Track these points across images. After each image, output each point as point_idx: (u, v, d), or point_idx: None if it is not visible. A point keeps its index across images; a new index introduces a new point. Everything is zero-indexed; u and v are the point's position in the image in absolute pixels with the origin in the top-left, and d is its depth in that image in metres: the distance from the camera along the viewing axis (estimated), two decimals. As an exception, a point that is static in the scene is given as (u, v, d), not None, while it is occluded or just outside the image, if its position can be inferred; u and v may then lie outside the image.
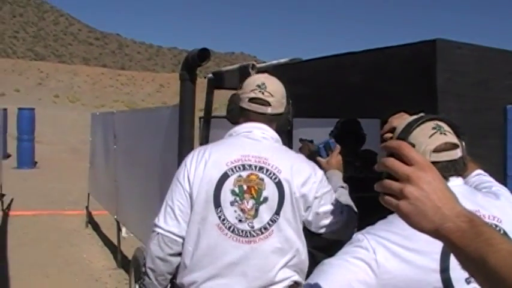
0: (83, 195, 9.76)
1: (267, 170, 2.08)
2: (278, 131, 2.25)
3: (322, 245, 2.33)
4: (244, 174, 2.07)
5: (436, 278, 1.41)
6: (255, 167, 2.08)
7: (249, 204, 2.05)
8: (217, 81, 3.91)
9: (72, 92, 72.95)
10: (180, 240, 2.10)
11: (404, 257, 1.42)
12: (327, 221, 2.17)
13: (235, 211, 2.04)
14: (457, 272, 1.38)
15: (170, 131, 4.39)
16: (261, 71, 3.24)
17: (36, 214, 10.05)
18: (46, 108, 40.37)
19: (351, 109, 2.49)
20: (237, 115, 2.25)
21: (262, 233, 2.05)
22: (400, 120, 1.71)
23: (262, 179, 2.07)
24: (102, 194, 8.19)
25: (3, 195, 10.64)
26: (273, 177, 2.08)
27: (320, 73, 2.66)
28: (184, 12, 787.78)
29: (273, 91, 2.23)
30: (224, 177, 2.06)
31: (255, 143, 2.16)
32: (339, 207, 2.17)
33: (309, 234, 2.23)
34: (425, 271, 1.42)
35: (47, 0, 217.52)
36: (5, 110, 20.01)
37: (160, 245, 2.08)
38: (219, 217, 2.04)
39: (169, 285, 2.22)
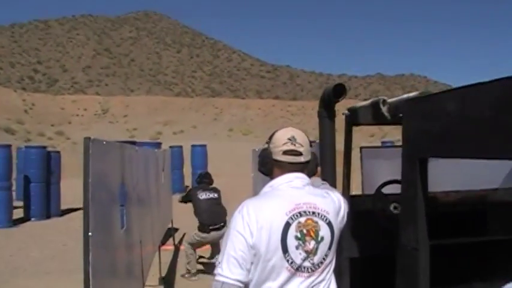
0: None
1: (319, 214, 2.43)
2: (309, 175, 2.61)
3: None
4: (302, 220, 2.38)
5: None
6: (309, 212, 2.41)
7: (311, 244, 2.37)
8: (353, 118, 3.78)
9: (245, 124, 76.23)
10: (243, 286, 2.32)
11: None
12: None
13: (300, 253, 2.34)
14: None
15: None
16: (395, 107, 3.08)
17: (207, 248, 10.34)
18: (221, 142, 42.50)
19: (483, 148, 2.18)
20: (272, 167, 2.54)
21: (319, 267, 2.41)
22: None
23: (316, 222, 2.42)
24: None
25: (176, 229, 11.16)
26: (324, 218, 2.44)
27: (450, 107, 2.39)
28: (352, 39, 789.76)
29: (302, 142, 2.54)
30: (287, 225, 2.35)
31: (300, 191, 2.48)
32: None
33: None
34: None
35: (220, 40, 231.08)
36: (180, 147, 21.52)
37: None
38: (287, 260, 2.33)
39: None
